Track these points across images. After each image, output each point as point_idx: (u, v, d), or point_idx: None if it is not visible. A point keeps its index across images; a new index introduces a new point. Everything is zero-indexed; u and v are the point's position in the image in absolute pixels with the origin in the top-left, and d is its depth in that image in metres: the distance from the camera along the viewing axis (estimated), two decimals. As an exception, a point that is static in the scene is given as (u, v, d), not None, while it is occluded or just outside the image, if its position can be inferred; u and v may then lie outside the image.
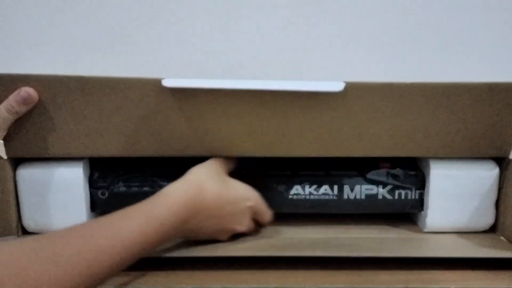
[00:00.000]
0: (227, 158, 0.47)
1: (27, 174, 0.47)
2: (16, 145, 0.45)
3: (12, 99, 0.40)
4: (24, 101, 0.40)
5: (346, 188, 0.48)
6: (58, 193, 0.47)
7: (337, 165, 0.50)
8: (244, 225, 0.44)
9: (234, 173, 0.49)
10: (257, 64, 0.67)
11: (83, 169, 0.47)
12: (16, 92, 0.40)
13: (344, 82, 0.41)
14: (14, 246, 0.27)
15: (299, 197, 0.48)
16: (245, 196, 0.44)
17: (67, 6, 0.68)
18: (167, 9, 0.66)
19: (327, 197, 0.48)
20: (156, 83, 0.41)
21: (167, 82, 0.41)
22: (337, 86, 0.41)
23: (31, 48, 0.67)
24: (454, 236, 0.48)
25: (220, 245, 0.44)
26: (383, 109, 0.42)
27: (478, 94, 0.41)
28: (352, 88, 0.41)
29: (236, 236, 0.45)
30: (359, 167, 0.49)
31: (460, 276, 0.41)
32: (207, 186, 0.41)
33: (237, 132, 0.44)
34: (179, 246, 0.44)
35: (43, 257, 0.26)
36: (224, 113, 0.43)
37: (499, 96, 0.41)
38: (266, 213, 0.46)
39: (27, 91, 0.40)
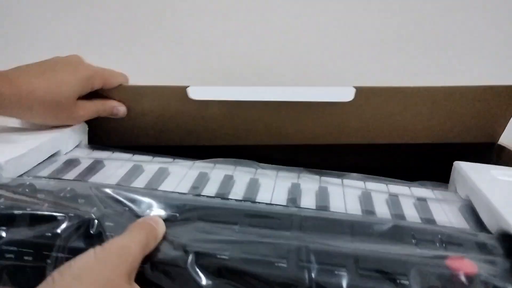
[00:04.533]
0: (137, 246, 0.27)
1: None
2: None
3: (107, 109, 0.44)
4: (112, 115, 0.45)
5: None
6: None
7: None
8: None
9: None
10: (264, 64, 0.71)
11: None
12: (112, 105, 0.44)
13: (353, 87, 0.43)
14: None
15: None
16: None
17: (71, 4, 0.71)
18: (169, 8, 0.69)
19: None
20: (182, 91, 0.43)
21: (193, 94, 0.43)
22: (347, 94, 0.43)
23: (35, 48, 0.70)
24: None
25: None
26: (389, 108, 0.44)
27: (473, 94, 0.44)
28: (361, 93, 0.43)
29: None
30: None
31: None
32: None
33: (252, 126, 0.46)
34: None
35: None
36: (241, 114, 0.46)
37: (491, 97, 0.44)
38: None
39: (119, 110, 0.45)
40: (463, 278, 0.26)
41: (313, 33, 0.66)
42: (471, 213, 0.35)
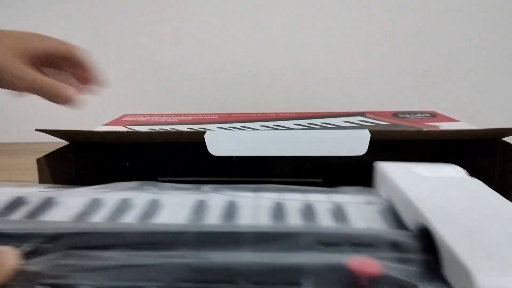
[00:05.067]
0: None
1: None
2: None
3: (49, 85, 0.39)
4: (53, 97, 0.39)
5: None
6: None
7: None
8: None
9: None
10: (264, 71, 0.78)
11: None
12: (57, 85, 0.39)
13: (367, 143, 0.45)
14: None
15: None
16: None
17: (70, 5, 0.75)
18: (168, 10, 0.74)
19: None
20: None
21: (214, 151, 0.45)
22: (361, 148, 0.45)
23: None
24: None
25: None
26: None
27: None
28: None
29: None
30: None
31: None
32: None
33: None
34: None
35: None
36: None
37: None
38: None
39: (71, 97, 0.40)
40: (365, 280, 0.22)
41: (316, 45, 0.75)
42: (392, 214, 0.32)
